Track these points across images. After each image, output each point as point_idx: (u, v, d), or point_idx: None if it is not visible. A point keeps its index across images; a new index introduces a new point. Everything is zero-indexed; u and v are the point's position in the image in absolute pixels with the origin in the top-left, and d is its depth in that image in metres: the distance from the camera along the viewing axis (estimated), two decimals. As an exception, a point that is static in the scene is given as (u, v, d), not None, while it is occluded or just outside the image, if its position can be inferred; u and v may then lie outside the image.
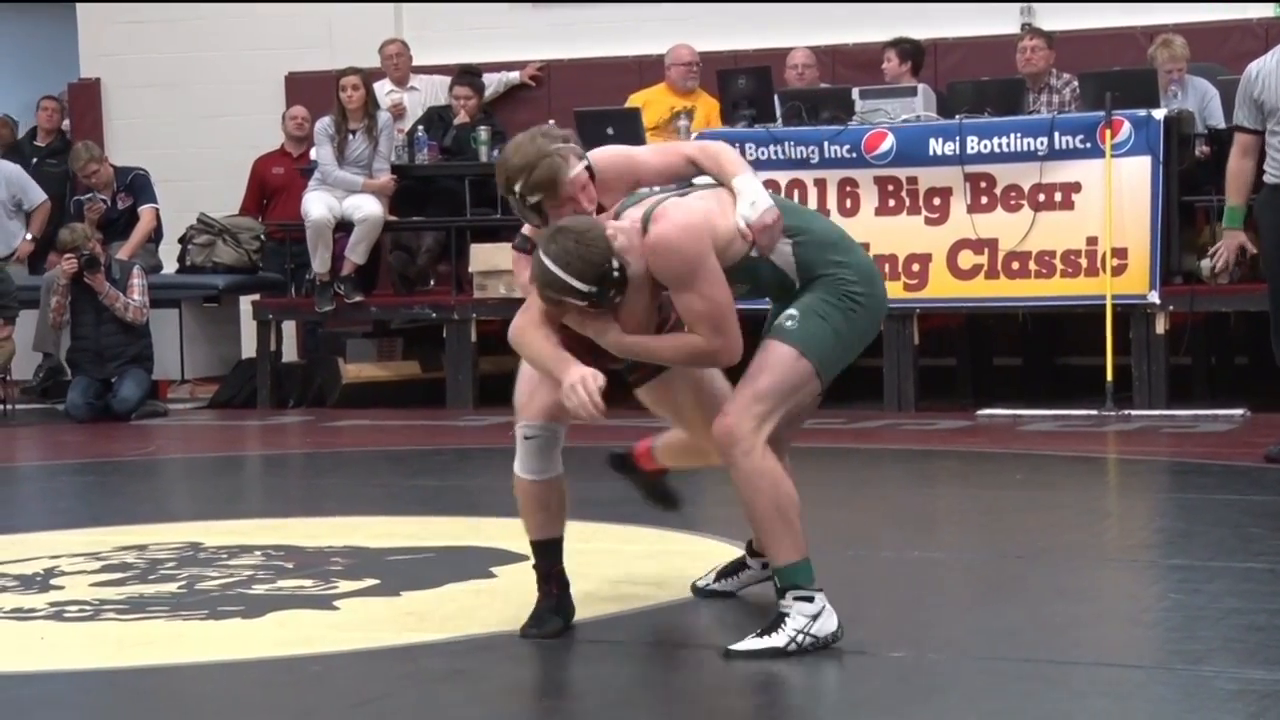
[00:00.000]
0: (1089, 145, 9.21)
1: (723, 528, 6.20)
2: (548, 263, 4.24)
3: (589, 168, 4.47)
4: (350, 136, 10.68)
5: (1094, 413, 9.06)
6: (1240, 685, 3.92)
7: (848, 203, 9.68)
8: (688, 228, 4.24)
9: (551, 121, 9.48)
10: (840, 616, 4.30)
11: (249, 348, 11.43)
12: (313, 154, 11.03)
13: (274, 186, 11.90)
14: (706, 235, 4.25)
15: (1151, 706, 3.97)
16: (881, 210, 9.65)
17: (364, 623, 4.87)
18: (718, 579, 4.97)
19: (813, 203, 9.73)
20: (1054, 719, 3.83)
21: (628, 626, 4.78)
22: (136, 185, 11.61)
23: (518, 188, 4.42)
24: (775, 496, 4.28)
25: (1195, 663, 4.15)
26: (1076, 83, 9.75)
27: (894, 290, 9.66)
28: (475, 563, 5.62)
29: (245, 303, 11.64)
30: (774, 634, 4.23)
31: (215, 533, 6.37)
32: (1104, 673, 4.13)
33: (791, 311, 4.33)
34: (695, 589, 4.98)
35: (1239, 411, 8.88)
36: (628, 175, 4.51)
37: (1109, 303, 9.13)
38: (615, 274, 4.24)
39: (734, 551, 5.59)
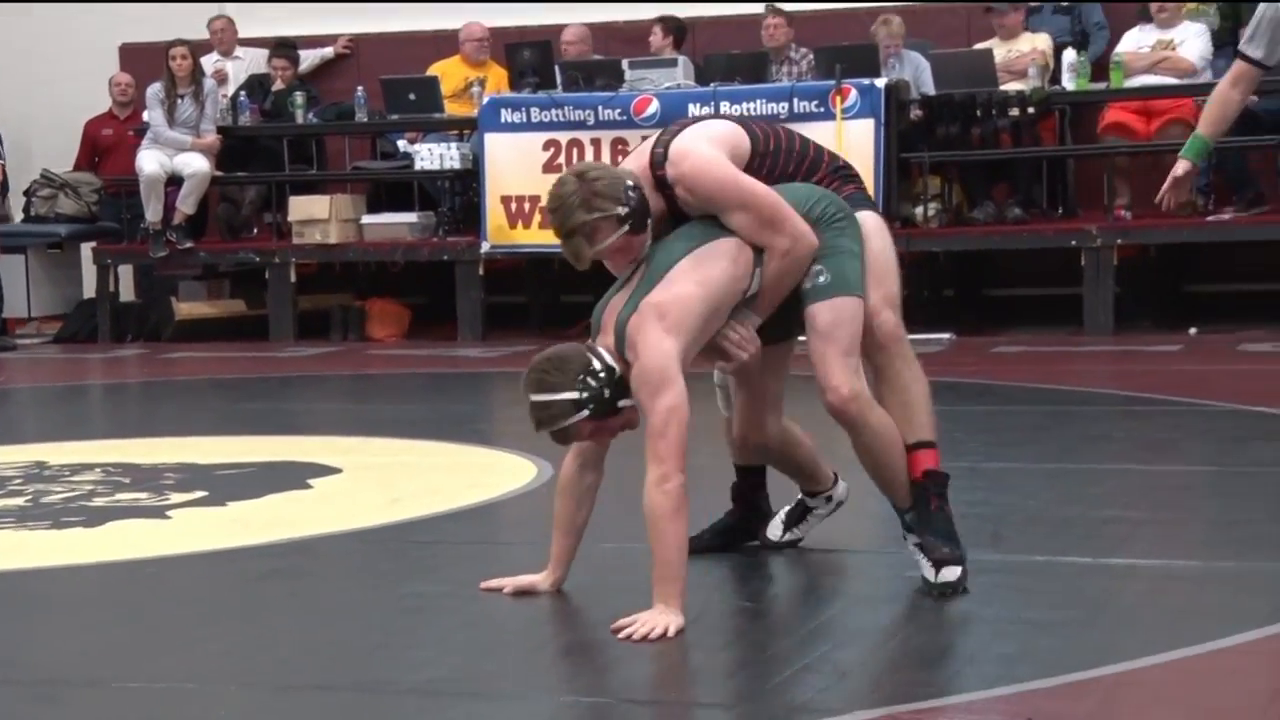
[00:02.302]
0: (822, 109, 9.32)
1: (513, 441, 6.22)
2: (537, 399, 3.62)
3: (632, 221, 3.69)
4: (179, 101, 10.48)
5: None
6: (943, 564, 4.03)
7: (619, 159, 9.60)
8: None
9: (591, 158, 9.01)
10: (605, 518, 4.27)
11: (90, 289, 11.15)
12: (145, 116, 10.77)
13: (104, 145, 11.66)
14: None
15: (867, 585, 4.09)
16: (648, 165, 9.66)
17: (194, 530, 4.80)
18: (786, 530, 4.28)
19: (589, 159, 9.72)
20: (781, 589, 3.92)
21: (434, 529, 4.76)
22: (-16, 142, 11.26)
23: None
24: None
25: (902, 546, 4.24)
26: (812, 56, 9.85)
27: (659, 234, 9.71)
28: (294, 476, 5.56)
29: (86, 249, 11.36)
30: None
31: (59, 453, 6.21)
32: (825, 558, 4.23)
33: (815, 268, 3.76)
34: (766, 542, 4.27)
35: (946, 335, 9.11)
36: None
37: (840, 244, 9.26)
38: (602, 374, 3.62)
39: (524, 463, 5.62)
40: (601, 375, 3.63)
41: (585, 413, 3.63)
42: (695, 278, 3.68)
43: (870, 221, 3.90)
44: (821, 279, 3.78)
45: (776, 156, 3.87)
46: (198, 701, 3.26)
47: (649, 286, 3.69)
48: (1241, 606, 3.64)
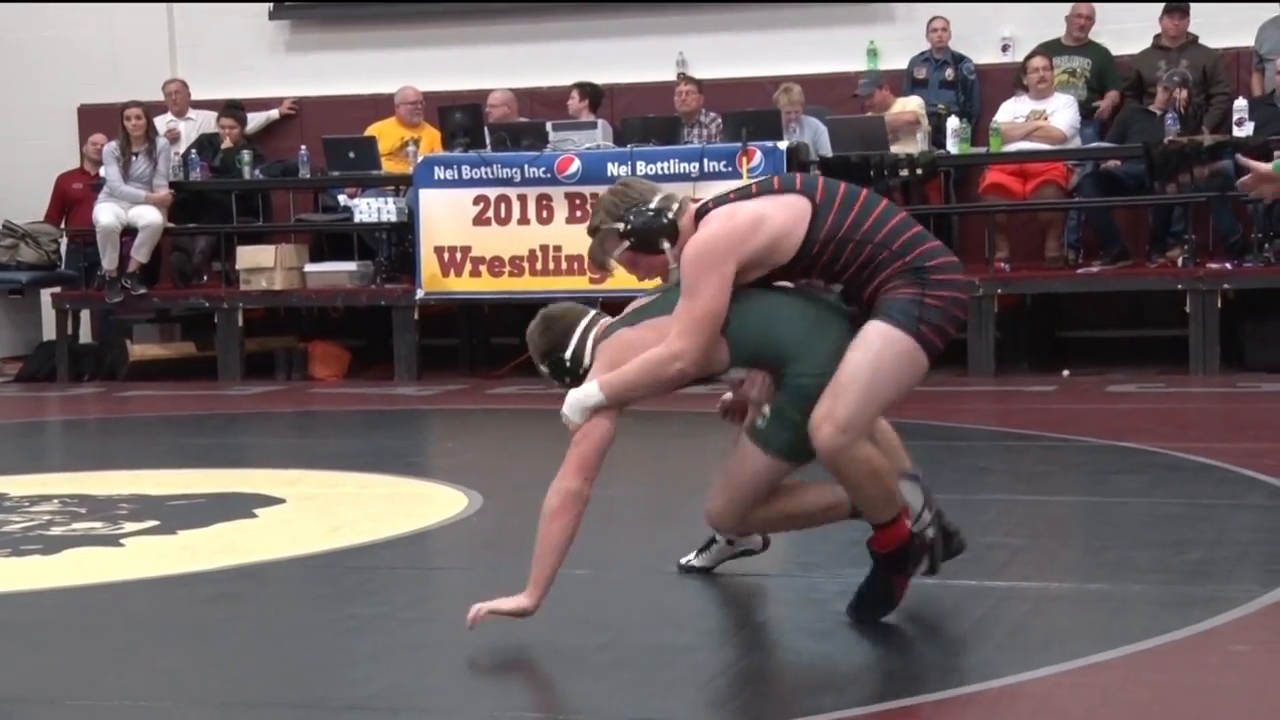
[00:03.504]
0: (730, 169, 9.36)
1: (445, 474, 6.17)
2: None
3: (632, 240, 3.66)
4: (134, 157, 10.36)
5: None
6: (841, 585, 4.02)
7: (544, 214, 9.68)
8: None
9: (517, 213, 8.85)
10: (532, 545, 4.26)
11: (50, 332, 10.97)
12: (101, 171, 10.65)
13: (74, 199, 11.46)
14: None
15: (778, 607, 4.08)
16: (570, 219, 9.66)
17: (146, 557, 4.71)
18: (697, 555, 4.20)
19: (515, 213, 9.71)
20: (699, 613, 3.90)
21: (371, 555, 4.71)
22: (-51, 197, 11.07)
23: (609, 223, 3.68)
24: None
25: (808, 570, 4.26)
26: (720, 120, 9.90)
27: (580, 283, 9.69)
28: (240, 506, 5.48)
29: (46, 294, 11.19)
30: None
31: (19, 485, 6.08)
32: (740, 581, 4.22)
33: (765, 407, 3.64)
34: (682, 566, 4.18)
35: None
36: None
37: (747, 292, 9.29)
38: (651, 212, 3.56)
39: (455, 494, 5.58)
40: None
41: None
42: (656, 335, 3.60)
43: (876, 335, 3.47)
44: (759, 422, 3.66)
45: (820, 256, 3.53)
46: (148, 718, 3.19)
47: (631, 321, 3.69)
48: (1115, 625, 3.66)
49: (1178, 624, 3.61)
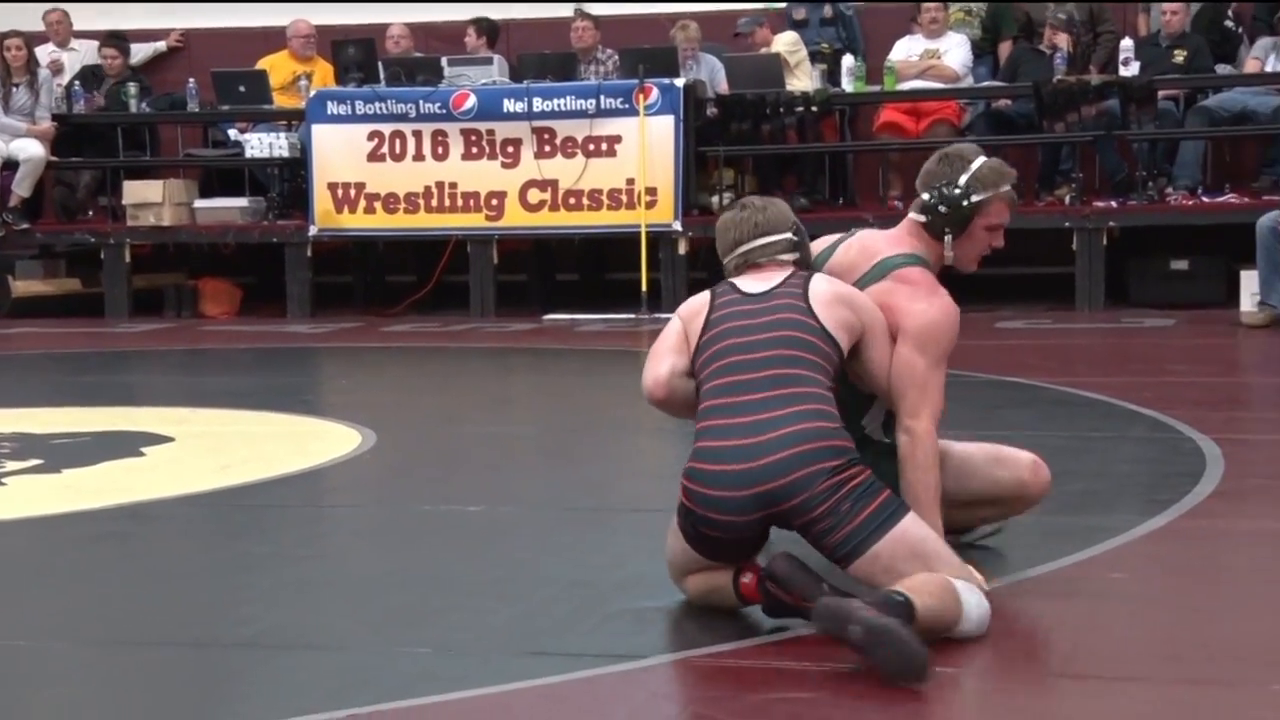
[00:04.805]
0: (627, 106, 9.33)
1: (339, 411, 6.12)
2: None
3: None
4: (14, 89, 10.10)
5: (632, 316, 9.24)
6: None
7: (439, 150, 9.58)
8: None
9: (413, 148, 8.61)
10: (426, 482, 4.25)
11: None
12: (-21, 104, 10.35)
13: (-50, 132, 11.13)
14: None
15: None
16: (467, 156, 9.59)
17: (29, 496, 4.62)
18: None
19: (410, 149, 9.61)
20: (591, 548, 3.91)
21: (262, 493, 4.66)
22: None
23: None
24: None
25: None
26: (617, 56, 9.85)
27: (477, 220, 9.65)
28: (127, 444, 5.39)
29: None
30: None
31: (-103, 425, 5.93)
32: (635, 517, 4.24)
33: None
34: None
35: (740, 313, 9.17)
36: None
37: (643, 230, 9.30)
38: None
39: (349, 432, 5.52)
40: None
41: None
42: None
43: None
44: None
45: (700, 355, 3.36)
46: (28, 658, 3.14)
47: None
48: (997, 556, 3.73)
49: (1058, 554, 3.69)
